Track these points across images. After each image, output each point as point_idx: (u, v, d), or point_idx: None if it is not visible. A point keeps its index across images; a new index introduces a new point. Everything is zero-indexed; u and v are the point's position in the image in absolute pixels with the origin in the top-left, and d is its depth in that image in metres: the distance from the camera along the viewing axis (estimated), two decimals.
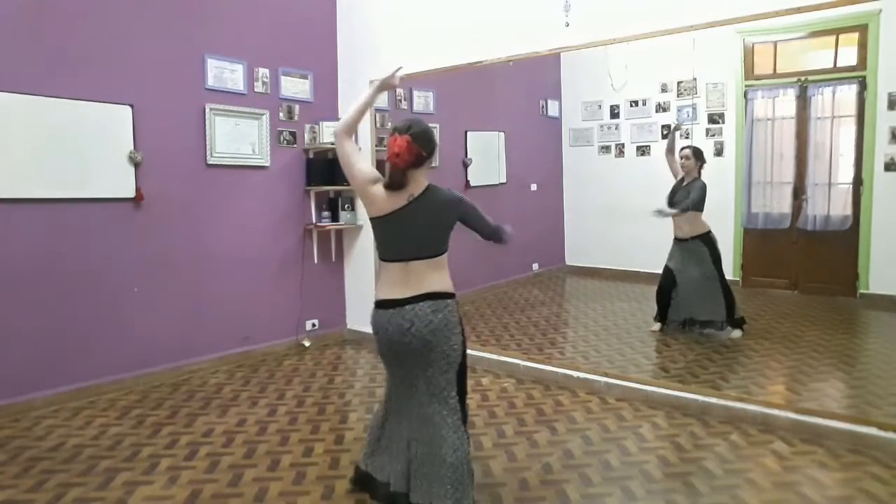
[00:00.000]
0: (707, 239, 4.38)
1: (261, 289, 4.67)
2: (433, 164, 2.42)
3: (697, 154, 4.45)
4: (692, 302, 4.47)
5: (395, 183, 2.30)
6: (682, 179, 4.48)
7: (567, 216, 5.77)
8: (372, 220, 2.41)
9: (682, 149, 4.58)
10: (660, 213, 4.41)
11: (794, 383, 3.68)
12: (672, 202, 4.47)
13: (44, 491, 2.68)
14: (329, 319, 5.13)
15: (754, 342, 4.34)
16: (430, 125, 2.40)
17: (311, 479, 2.76)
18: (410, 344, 2.30)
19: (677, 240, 4.51)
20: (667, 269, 4.52)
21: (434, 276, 2.34)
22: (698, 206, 4.32)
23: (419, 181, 2.33)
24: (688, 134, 4.74)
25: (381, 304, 2.38)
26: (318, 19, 4.96)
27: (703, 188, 4.36)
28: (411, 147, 2.24)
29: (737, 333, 4.33)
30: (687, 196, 4.38)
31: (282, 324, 4.81)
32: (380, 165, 2.83)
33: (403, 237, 2.34)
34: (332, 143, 4.78)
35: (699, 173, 4.43)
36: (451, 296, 2.38)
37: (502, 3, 4.10)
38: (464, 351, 2.41)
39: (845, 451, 2.91)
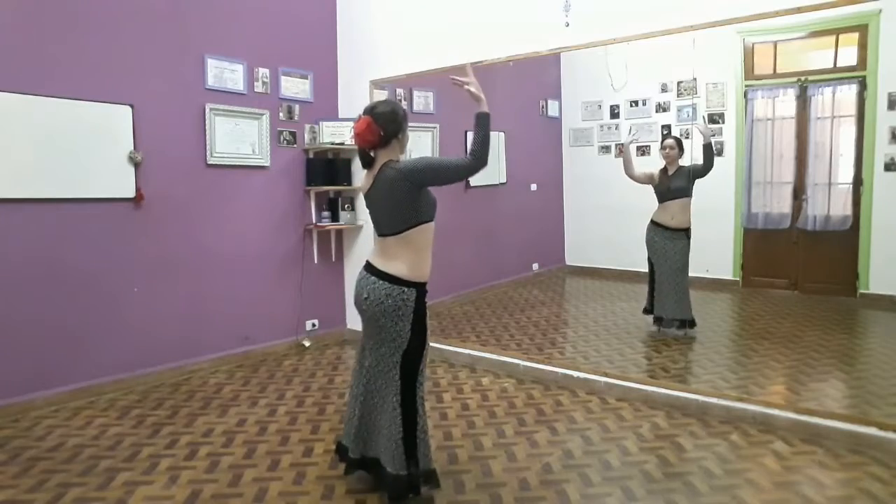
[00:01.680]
0: (689, 233, 4.40)
1: (261, 289, 4.67)
2: (403, 144, 2.51)
3: (680, 144, 4.50)
4: (666, 299, 4.50)
5: (362, 161, 2.51)
6: (666, 170, 4.51)
7: (567, 216, 5.77)
8: None
9: (665, 138, 4.63)
10: (704, 128, 4.52)
11: (794, 383, 3.68)
12: (668, 189, 4.48)
13: (44, 491, 2.68)
14: (329, 319, 5.13)
15: (754, 342, 4.35)
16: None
17: (311, 479, 2.76)
18: (366, 311, 2.49)
19: (663, 227, 4.50)
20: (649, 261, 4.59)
21: (401, 256, 2.44)
22: (689, 189, 4.35)
23: (387, 160, 2.45)
24: (688, 134, 4.74)
25: (365, 265, 2.56)
26: (318, 19, 4.96)
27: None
28: (371, 127, 2.37)
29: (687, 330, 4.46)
30: (683, 180, 4.40)
31: (282, 324, 4.81)
32: None
33: (374, 214, 2.53)
34: (332, 144, 4.82)
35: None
36: (409, 284, 2.43)
37: (502, 3, 4.10)
38: (415, 339, 2.45)
39: (845, 451, 2.91)
